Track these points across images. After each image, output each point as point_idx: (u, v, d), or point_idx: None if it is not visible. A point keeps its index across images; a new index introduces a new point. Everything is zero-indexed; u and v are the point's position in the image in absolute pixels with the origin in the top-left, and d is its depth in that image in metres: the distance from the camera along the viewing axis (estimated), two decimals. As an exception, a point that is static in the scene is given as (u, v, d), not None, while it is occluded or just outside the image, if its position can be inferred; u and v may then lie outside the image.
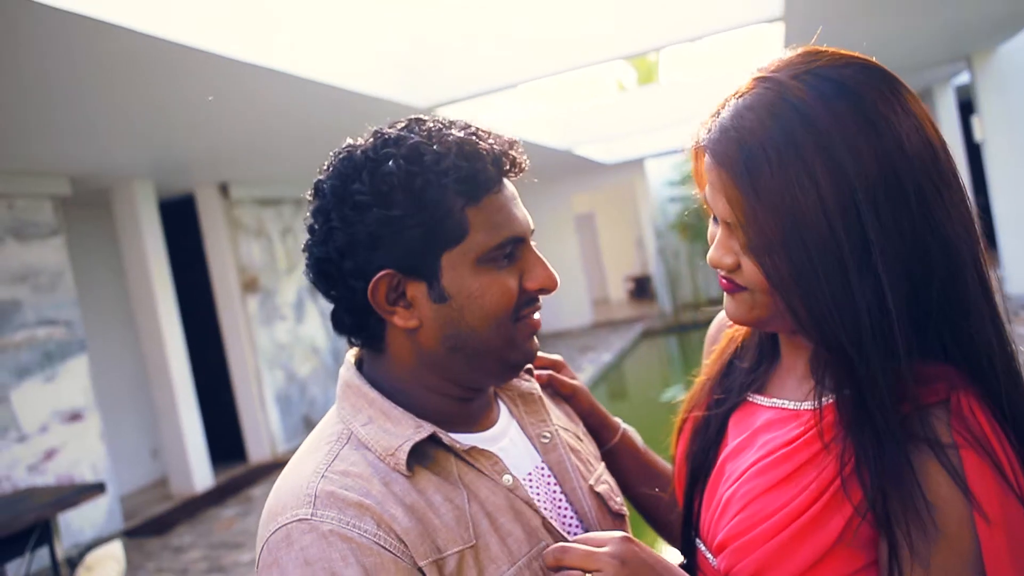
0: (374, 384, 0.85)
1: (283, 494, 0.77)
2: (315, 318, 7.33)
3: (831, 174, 0.68)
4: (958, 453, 0.67)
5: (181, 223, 6.34)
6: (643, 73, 10.41)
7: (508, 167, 0.82)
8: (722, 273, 0.79)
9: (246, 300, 6.37)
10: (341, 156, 0.81)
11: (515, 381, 0.94)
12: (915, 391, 0.69)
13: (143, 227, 5.47)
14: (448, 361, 0.82)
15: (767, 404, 0.84)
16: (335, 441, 0.81)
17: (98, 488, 3.44)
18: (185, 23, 3.03)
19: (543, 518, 0.81)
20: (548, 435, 0.92)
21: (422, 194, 0.77)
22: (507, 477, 0.81)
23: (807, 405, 0.78)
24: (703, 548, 0.84)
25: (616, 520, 0.92)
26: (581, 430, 1.01)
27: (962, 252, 0.71)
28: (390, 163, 0.78)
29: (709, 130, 0.76)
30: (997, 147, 7.25)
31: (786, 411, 0.81)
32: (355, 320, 0.83)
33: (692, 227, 10.95)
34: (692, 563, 0.87)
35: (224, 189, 6.31)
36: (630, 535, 0.75)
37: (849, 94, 0.70)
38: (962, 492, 0.66)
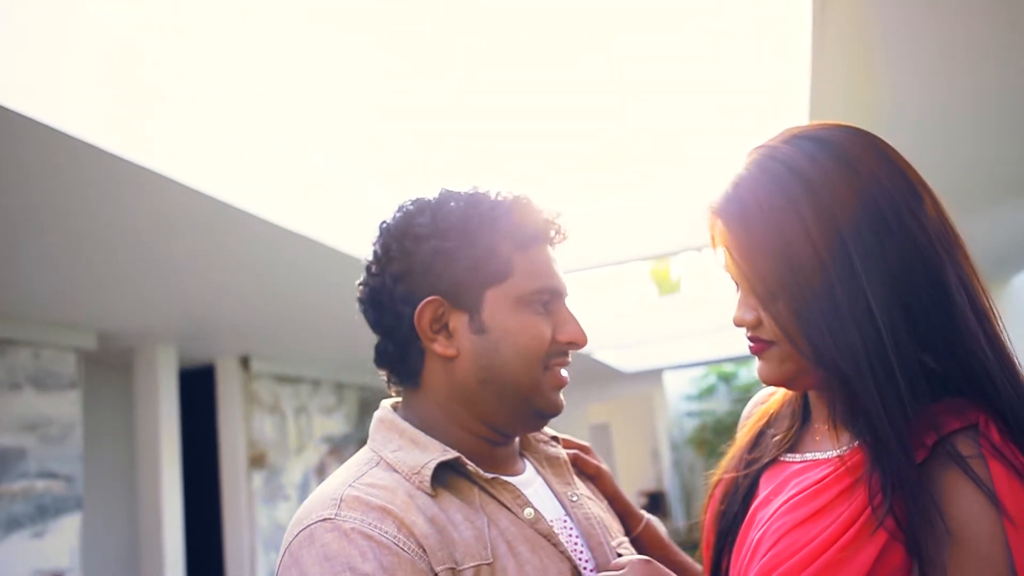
0: (408, 422, 0.89)
1: (310, 503, 0.80)
2: (318, 502, 7.12)
3: (816, 212, 0.74)
4: (986, 465, 0.67)
5: (199, 393, 6.36)
6: (664, 287, 10.69)
7: (554, 231, 0.91)
8: (748, 334, 0.83)
9: (251, 475, 6.24)
10: (409, 201, 0.91)
11: (542, 445, 0.96)
12: (937, 420, 0.71)
13: (160, 395, 5.49)
14: (479, 395, 0.86)
15: (799, 460, 0.85)
16: (365, 463, 0.85)
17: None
18: (233, 184, 3.20)
19: (563, 552, 0.80)
20: (575, 496, 0.92)
21: (475, 233, 0.86)
22: (528, 511, 0.84)
23: (836, 453, 0.80)
24: None
25: None
26: (606, 506, 1.00)
27: (944, 266, 0.74)
28: (451, 204, 0.87)
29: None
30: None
31: (817, 461, 0.82)
32: (398, 350, 0.89)
33: (708, 442, 10.80)
34: None
35: (245, 362, 6.38)
36: (651, 559, 0.73)
37: (830, 146, 0.78)
38: (991, 503, 0.66)
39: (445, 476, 0.83)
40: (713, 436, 10.15)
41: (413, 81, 3.35)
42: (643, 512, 1.05)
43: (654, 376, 11.92)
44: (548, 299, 0.88)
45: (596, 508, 0.95)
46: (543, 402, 0.88)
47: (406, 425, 0.88)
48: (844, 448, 0.78)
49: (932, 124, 3.08)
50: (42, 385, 4.63)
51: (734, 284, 0.85)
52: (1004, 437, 0.69)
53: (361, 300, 0.91)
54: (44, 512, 4.52)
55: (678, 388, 12.11)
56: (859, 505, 0.72)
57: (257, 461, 6.35)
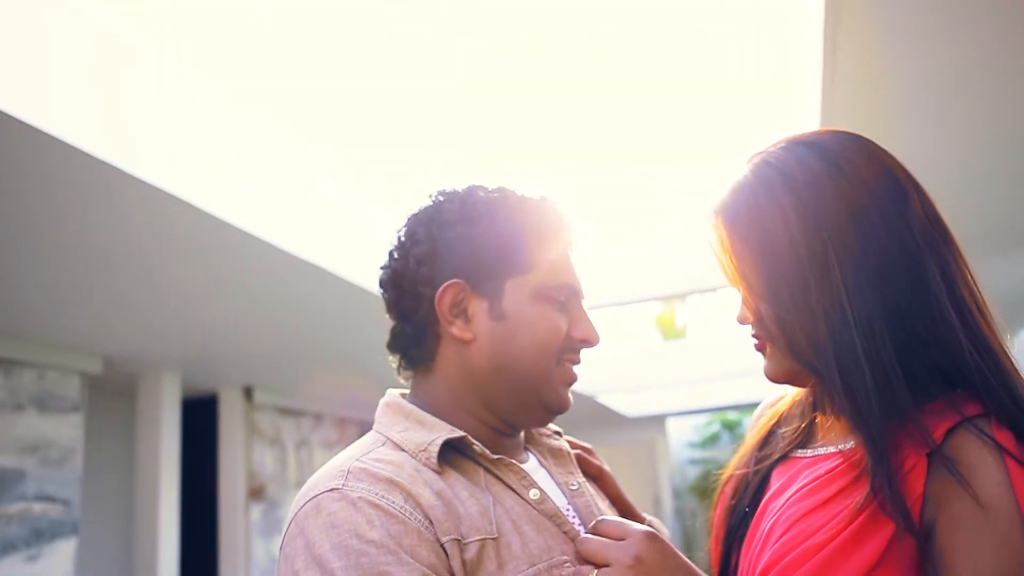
0: (415, 406, 0.90)
1: (315, 478, 0.81)
2: (315, 537, 7.05)
3: (799, 212, 0.77)
4: (996, 440, 0.69)
5: (201, 422, 6.34)
6: (669, 332, 10.68)
7: (574, 236, 0.94)
8: (753, 332, 0.86)
9: (249, 507, 6.19)
10: (438, 191, 0.93)
11: (545, 439, 0.97)
12: (931, 418, 0.72)
13: (162, 423, 5.47)
14: (491, 381, 0.87)
15: (809, 454, 0.86)
16: (371, 443, 0.86)
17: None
18: (244, 209, 3.23)
19: (567, 532, 0.81)
20: (576, 484, 0.93)
21: (502, 223, 0.88)
22: (534, 492, 0.84)
23: (845, 446, 0.82)
24: None
25: None
26: (608, 505, 1.00)
27: (925, 261, 0.76)
28: (480, 194, 0.90)
29: None
30: None
31: (829, 454, 0.83)
32: (414, 332, 0.90)
33: (711, 491, 10.67)
34: None
35: (248, 392, 6.37)
36: (656, 533, 0.73)
37: (821, 150, 0.81)
38: (1001, 463, 0.68)
39: (451, 457, 0.84)
40: (716, 484, 10.06)
41: (424, 112, 3.40)
42: (645, 515, 1.06)
43: (657, 422, 11.84)
44: (567, 296, 0.90)
45: (600, 503, 0.96)
46: (552, 395, 0.89)
47: (413, 408, 0.89)
48: (853, 442, 0.79)
49: (943, 170, 3.10)
50: (45, 407, 4.63)
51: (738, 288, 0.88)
52: (1011, 432, 0.70)
53: (382, 282, 0.93)
54: (40, 536, 4.49)
55: (681, 435, 12.03)
56: (869, 490, 0.73)
57: (256, 493, 6.31)
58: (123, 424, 6.03)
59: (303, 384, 6.60)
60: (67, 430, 4.75)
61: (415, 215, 0.92)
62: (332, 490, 0.77)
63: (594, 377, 9.36)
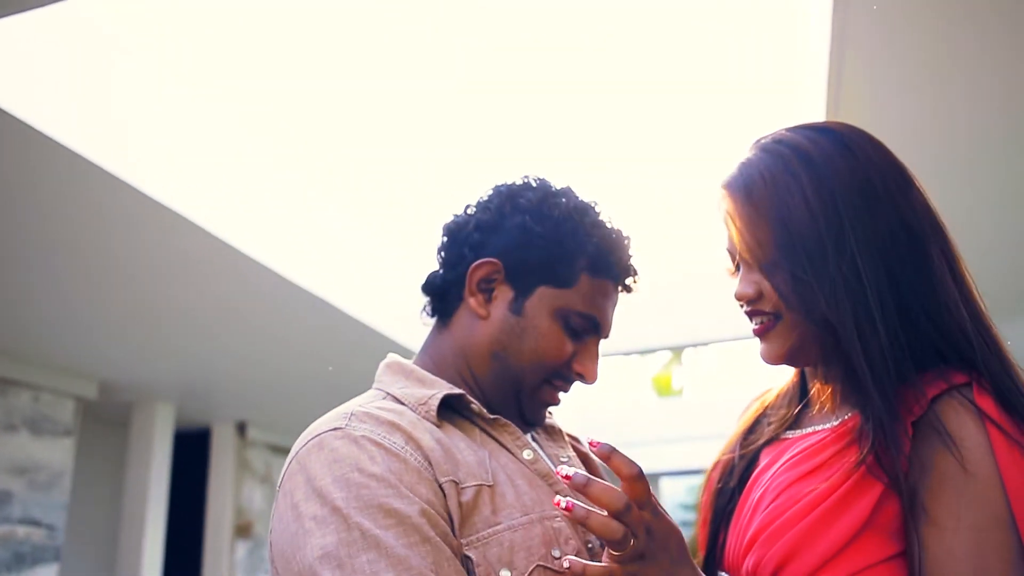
0: (418, 365, 0.93)
1: (318, 422, 0.82)
2: (300, 580, 6.93)
3: (814, 182, 0.81)
4: (977, 406, 0.73)
5: (192, 455, 6.29)
6: (664, 391, 10.66)
7: (630, 280, 0.95)
8: (748, 309, 0.88)
9: (235, 544, 6.11)
10: (535, 176, 0.96)
11: None
12: (924, 387, 0.75)
13: (154, 453, 5.44)
14: (483, 362, 0.90)
15: (798, 434, 0.89)
16: (372, 397, 0.88)
17: None
18: (248, 234, 3.24)
19: (559, 492, 0.82)
20: (567, 457, 0.94)
21: (566, 235, 0.90)
22: (527, 452, 0.86)
23: (834, 423, 0.84)
24: None
25: None
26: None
27: (928, 242, 0.81)
28: (563, 199, 0.92)
29: None
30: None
31: (816, 431, 0.86)
32: (444, 284, 0.93)
33: (704, 553, 10.51)
34: None
35: (241, 428, 6.33)
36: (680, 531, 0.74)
37: (830, 132, 0.86)
38: (982, 427, 0.71)
39: (448, 416, 0.86)
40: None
41: (424, 148, 3.44)
42: None
43: (651, 481, 11.71)
44: (586, 328, 0.90)
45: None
46: (530, 406, 0.91)
47: (414, 367, 0.92)
48: (842, 418, 0.82)
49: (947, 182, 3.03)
50: (38, 429, 4.61)
51: (735, 265, 0.90)
52: (992, 398, 0.73)
53: (444, 226, 0.96)
54: (21, 560, 4.42)
55: (675, 495, 11.90)
56: (854, 458, 0.75)
57: (243, 531, 6.23)
58: (114, 452, 5.98)
59: (297, 422, 6.55)
60: (58, 454, 4.72)
61: (500, 186, 0.95)
62: (335, 429, 0.79)
63: (587, 432, 9.28)
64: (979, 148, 2.50)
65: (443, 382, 0.88)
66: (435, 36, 2.76)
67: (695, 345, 5.05)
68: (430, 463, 0.77)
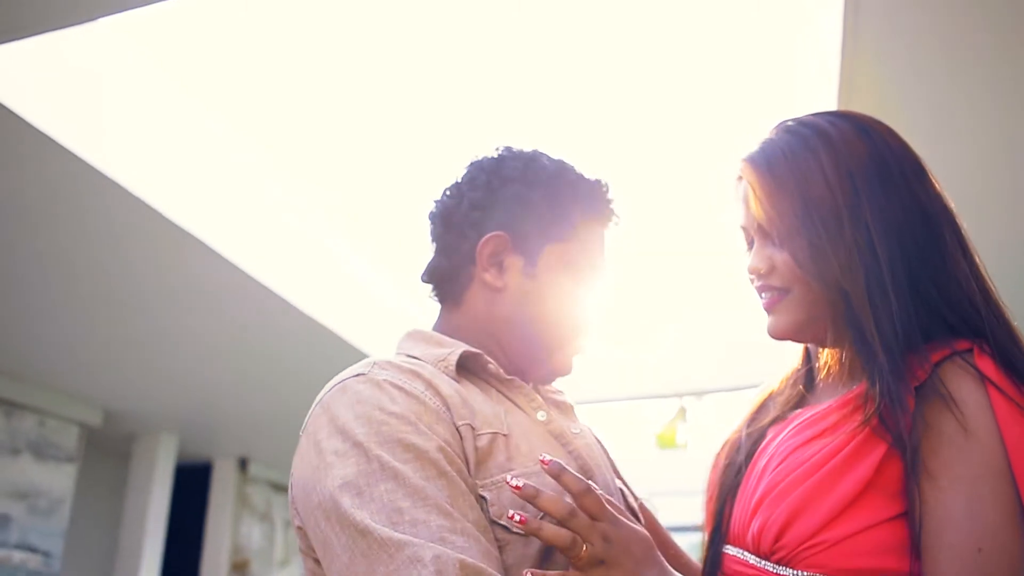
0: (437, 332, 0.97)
1: (342, 373, 0.86)
2: (294, 622, 6.83)
3: (833, 158, 0.86)
4: (978, 368, 0.75)
5: (192, 489, 6.26)
6: (668, 446, 10.58)
7: (615, 219, 1.02)
8: (759, 284, 0.92)
9: (231, 581, 6.03)
10: (504, 147, 1.01)
11: (551, 395, 1.00)
12: (929, 354, 0.78)
13: (154, 485, 5.42)
14: (511, 331, 0.95)
15: (803, 411, 0.90)
16: (394, 356, 0.91)
17: None
18: (265, 262, 3.27)
19: (571, 452, 0.84)
20: (578, 429, 0.96)
21: (557, 193, 0.96)
22: (541, 413, 0.88)
23: (841, 393, 0.86)
24: (732, 551, 0.86)
25: (631, 516, 0.92)
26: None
27: (941, 224, 0.85)
28: (544, 161, 0.98)
29: None
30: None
31: (821, 403, 0.88)
32: (450, 268, 0.97)
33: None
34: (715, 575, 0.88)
35: (243, 463, 6.31)
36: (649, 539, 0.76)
37: (848, 117, 0.91)
38: (983, 388, 0.74)
39: (466, 375, 0.89)
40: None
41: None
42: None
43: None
44: (593, 273, 0.97)
45: (598, 449, 1.00)
46: (560, 358, 0.96)
47: (433, 333, 0.96)
48: (848, 388, 0.84)
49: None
50: (41, 454, 4.61)
51: (749, 241, 0.94)
52: (992, 361, 0.76)
53: (432, 215, 1.00)
54: (16, 586, 4.39)
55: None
56: (859, 420, 0.78)
57: (240, 568, 6.16)
58: (115, 481, 5.95)
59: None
60: (59, 480, 4.71)
61: (478, 162, 0.99)
62: (358, 375, 0.82)
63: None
64: (995, 141, 2.45)
65: (462, 343, 0.91)
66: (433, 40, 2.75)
67: (694, 394, 5.02)
68: (448, 408, 0.81)
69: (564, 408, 1.02)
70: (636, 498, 1.01)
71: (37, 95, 2.29)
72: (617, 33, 2.69)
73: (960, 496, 0.72)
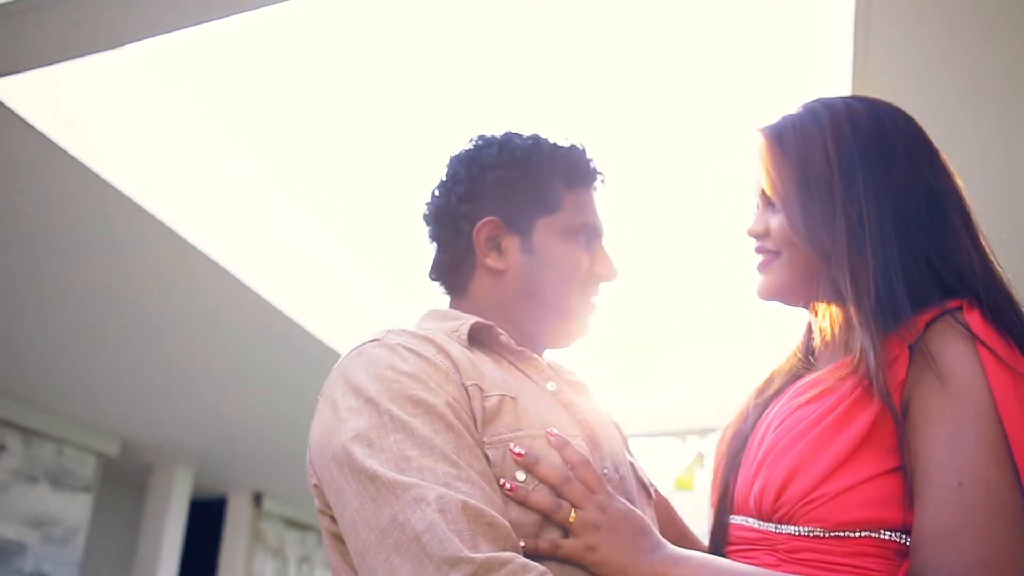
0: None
1: (359, 340, 0.90)
2: (306, 662, 6.75)
3: (836, 133, 0.91)
4: (967, 325, 0.78)
5: (207, 523, 6.25)
6: (680, 482, 10.44)
7: (600, 178, 1.05)
8: (755, 247, 0.97)
9: (243, 617, 5.99)
10: (478, 136, 1.06)
11: (565, 374, 1.02)
12: (921, 316, 0.81)
13: (169, 518, 5.42)
14: (521, 307, 0.99)
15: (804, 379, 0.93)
16: (408, 327, 0.95)
17: None
18: (285, 291, 3.32)
19: (579, 421, 0.86)
20: (590, 406, 0.97)
21: (536, 168, 1.00)
22: (551, 384, 0.91)
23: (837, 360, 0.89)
24: (737, 520, 0.88)
25: (641, 488, 0.97)
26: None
27: (946, 202, 0.89)
28: (516, 141, 1.02)
29: None
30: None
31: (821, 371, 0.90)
32: (452, 261, 1.02)
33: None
34: (721, 545, 0.91)
35: (258, 499, 6.31)
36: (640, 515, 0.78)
37: (866, 100, 0.96)
38: (970, 343, 0.76)
39: (478, 346, 0.93)
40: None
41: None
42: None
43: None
44: (589, 235, 1.00)
45: (609, 426, 1.02)
46: (574, 321, 1.00)
47: (448, 310, 1.01)
48: (843, 356, 0.86)
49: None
50: (58, 483, 4.64)
51: (756, 205, 0.99)
52: (980, 316, 0.78)
53: (425, 216, 1.05)
54: (29, 615, 4.38)
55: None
56: (855, 381, 0.80)
57: (251, 604, 6.12)
58: (130, 512, 5.96)
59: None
60: (75, 509, 4.73)
61: (456, 156, 1.03)
62: (373, 340, 0.87)
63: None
64: (1000, 154, 2.45)
65: (474, 316, 0.95)
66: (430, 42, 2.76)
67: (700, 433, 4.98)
68: (457, 369, 0.84)
69: (578, 387, 1.04)
70: (646, 476, 1.02)
71: (96, 138, 2.34)
72: (620, 34, 2.71)
73: (942, 439, 0.74)
